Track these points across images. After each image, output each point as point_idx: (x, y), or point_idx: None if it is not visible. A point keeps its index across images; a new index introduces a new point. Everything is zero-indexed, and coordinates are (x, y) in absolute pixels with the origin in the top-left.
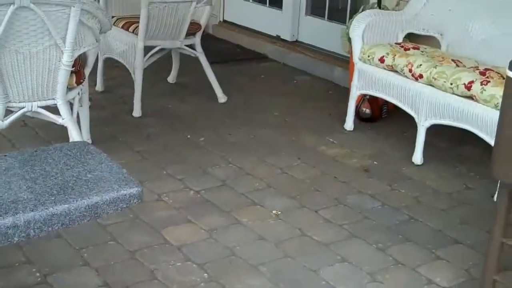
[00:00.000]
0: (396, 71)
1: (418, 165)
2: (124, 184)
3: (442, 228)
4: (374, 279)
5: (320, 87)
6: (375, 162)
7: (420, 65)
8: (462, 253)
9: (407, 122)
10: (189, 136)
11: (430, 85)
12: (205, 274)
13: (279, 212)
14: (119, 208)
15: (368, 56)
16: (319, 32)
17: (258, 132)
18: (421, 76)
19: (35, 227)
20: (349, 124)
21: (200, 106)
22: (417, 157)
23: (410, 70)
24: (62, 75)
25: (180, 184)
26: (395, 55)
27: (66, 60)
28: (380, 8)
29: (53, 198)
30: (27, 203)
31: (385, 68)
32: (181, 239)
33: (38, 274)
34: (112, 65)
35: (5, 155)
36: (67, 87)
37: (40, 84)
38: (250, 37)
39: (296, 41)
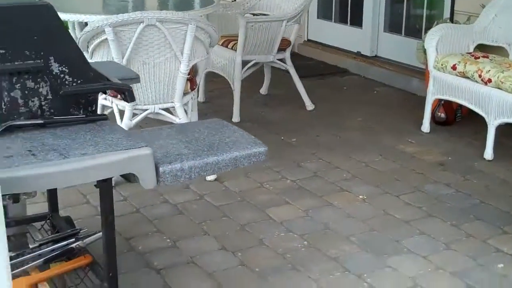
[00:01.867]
0: (467, 77)
1: (489, 160)
2: (254, 145)
3: (510, 210)
4: (448, 248)
5: (398, 96)
6: (449, 158)
7: (489, 71)
8: None
9: (479, 125)
10: (282, 138)
11: (498, 88)
12: (305, 242)
13: (365, 197)
14: (252, 162)
15: (442, 65)
16: (396, 47)
17: (343, 134)
18: (489, 80)
19: (195, 172)
20: (425, 126)
21: (290, 113)
22: (488, 153)
23: (480, 76)
24: (180, 82)
25: (278, 175)
26: (466, 63)
27: (183, 69)
28: (452, 22)
29: (205, 153)
30: (187, 155)
31: (457, 75)
32: (282, 216)
33: (168, 240)
34: (209, 79)
35: (161, 128)
36: (183, 92)
37: (161, 90)
38: (333, 53)
39: (376, 56)
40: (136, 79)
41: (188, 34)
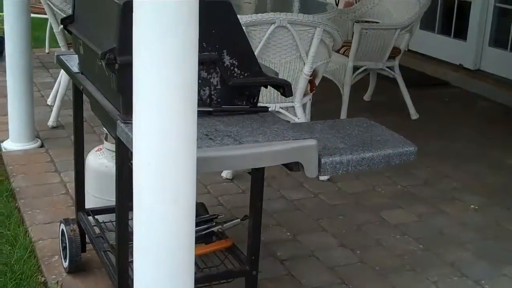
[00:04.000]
0: None
1: None
2: (405, 144)
3: None
4: None
5: (502, 111)
6: None
7: None
8: None
9: None
10: None
11: None
12: (421, 245)
13: (476, 207)
14: (402, 160)
15: None
16: (501, 61)
17: (450, 145)
18: None
19: (352, 165)
20: None
21: (395, 121)
22: None
23: None
24: (302, 82)
25: (388, 180)
26: None
27: (307, 70)
28: None
29: (360, 149)
30: (345, 150)
31: None
32: (396, 219)
33: (288, 234)
34: None
35: (313, 123)
36: (304, 93)
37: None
38: (434, 65)
39: (478, 69)
40: (290, 86)
41: (315, 37)
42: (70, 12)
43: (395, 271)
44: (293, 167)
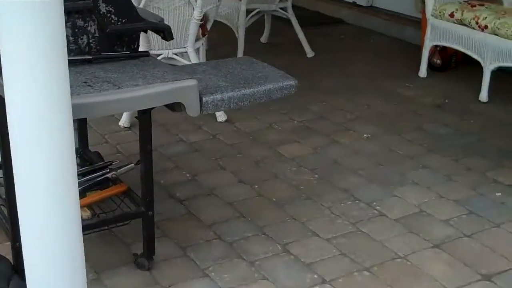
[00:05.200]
0: (464, 24)
1: (484, 102)
2: (285, 78)
3: (505, 146)
4: (450, 179)
5: (394, 45)
6: (446, 101)
7: (485, 17)
8: None
9: (473, 70)
10: None
11: (494, 34)
12: (316, 175)
13: (369, 135)
14: (283, 94)
15: (440, 12)
16: None
17: (344, 80)
18: (486, 26)
19: (233, 102)
20: (422, 72)
21: (291, 60)
22: (483, 95)
23: (477, 22)
24: (193, 28)
25: (285, 117)
26: (463, 11)
27: (196, 15)
28: None
29: (242, 85)
30: (226, 88)
31: (454, 22)
32: (293, 153)
33: (188, 175)
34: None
35: (197, 64)
36: (195, 38)
37: (175, 35)
38: (328, 3)
39: (371, 6)
40: (162, 22)
41: None
42: None
43: (292, 201)
44: (176, 107)
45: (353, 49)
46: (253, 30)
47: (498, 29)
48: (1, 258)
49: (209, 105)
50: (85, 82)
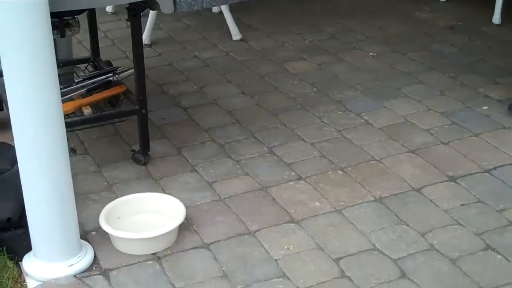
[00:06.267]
0: None
1: (496, 25)
2: None
3: (506, 66)
4: (442, 94)
5: None
6: (459, 23)
7: None
8: None
9: None
10: (306, 5)
11: None
12: (315, 88)
13: (374, 54)
14: None
15: None
16: None
17: (362, 2)
18: None
19: (206, 1)
20: None
21: None
22: (496, 17)
23: None
24: None
25: (298, 36)
26: None
27: None
28: None
29: None
30: None
31: None
32: (297, 69)
33: (195, 87)
34: None
35: None
36: None
37: None
38: None
39: None
40: None
41: None
42: None
43: (286, 110)
44: (152, 5)
45: None
46: None
47: None
48: (10, 145)
49: (183, 3)
50: None
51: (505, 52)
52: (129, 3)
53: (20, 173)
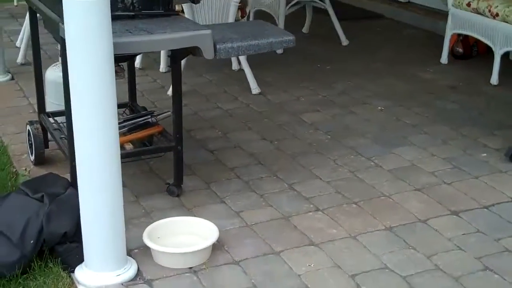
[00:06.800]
0: (479, 13)
1: (494, 85)
2: (285, 34)
3: (503, 120)
4: (445, 143)
5: (425, 36)
6: (460, 83)
7: (497, 6)
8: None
9: (492, 59)
10: (318, 65)
11: (504, 21)
12: (328, 136)
13: (382, 108)
14: (283, 46)
15: (459, 2)
16: None
17: (371, 64)
18: (497, 14)
19: (241, 50)
20: (444, 58)
21: (327, 47)
22: (494, 78)
23: (490, 10)
24: (232, 9)
25: (312, 92)
26: (479, 0)
27: None
28: None
29: (249, 38)
30: (236, 39)
31: (471, 11)
32: (312, 119)
33: (220, 133)
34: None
35: (216, 24)
36: (235, 18)
37: (217, 15)
38: (370, 0)
39: (408, 1)
40: None
41: None
42: None
43: (303, 154)
44: (196, 52)
45: (386, 39)
46: (296, 21)
47: (507, 16)
48: (61, 177)
49: (222, 51)
50: (127, 29)
51: (502, 109)
52: (171, 50)
53: (79, 195)
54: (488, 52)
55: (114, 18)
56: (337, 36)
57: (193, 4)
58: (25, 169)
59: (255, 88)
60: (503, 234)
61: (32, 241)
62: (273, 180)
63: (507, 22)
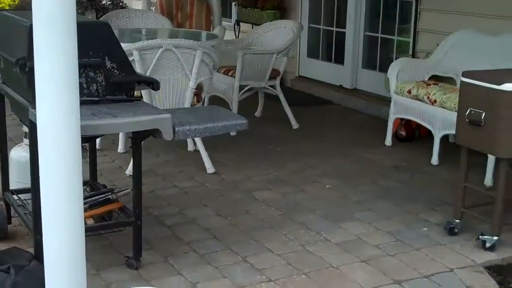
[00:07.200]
0: (419, 99)
1: (435, 165)
2: (239, 118)
3: (443, 197)
4: (389, 218)
5: (371, 121)
6: (403, 163)
7: (435, 93)
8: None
9: (433, 141)
10: (270, 146)
11: (442, 107)
12: (280, 212)
13: (330, 186)
14: (237, 129)
15: (400, 90)
16: (372, 80)
17: (320, 145)
18: (435, 101)
19: (198, 132)
20: (388, 140)
21: (279, 130)
22: (434, 159)
23: (428, 97)
24: (188, 95)
25: (264, 172)
26: (419, 88)
27: (192, 84)
28: (413, 57)
29: (205, 121)
30: (192, 122)
31: (411, 98)
32: (264, 197)
33: (176, 209)
34: (211, 103)
35: (175, 109)
36: (191, 104)
37: (174, 100)
38: (319, 87)
39: (355, 88)
40: (158, 82)
41: (196, 58)
42: None
43: (257, 229)
44: (156, 134)
45: (334, 123)
46: (249, 105)
47: (444, 102)
48: (25, 251)
49: (180, 133)
50: (92, 113)
51: (442, 187)
52: (132, 132)
53: (45, 266)
54: (429, 134)
55: (81, 103)
56: (288, 120)
57: (152, 90)
58: None
59: (210, 168)
60: None
61: None
62: (228, 253)
63: (444, 108)
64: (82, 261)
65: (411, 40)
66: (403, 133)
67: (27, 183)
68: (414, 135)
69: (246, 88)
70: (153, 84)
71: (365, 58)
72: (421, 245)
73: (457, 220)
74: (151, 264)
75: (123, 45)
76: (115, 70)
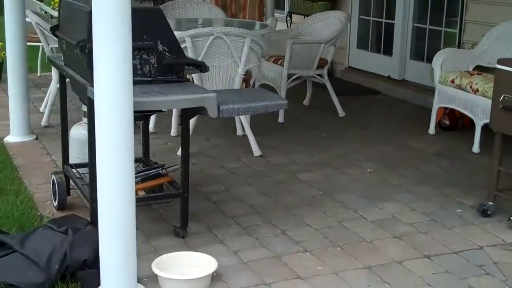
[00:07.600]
0: (462, 89)
1: (476, 153)
2: (280, 99)
3: (481, 183)
4: (426, 200)
5: (417, 111)
6: (445, 151)
7: (477, 83)
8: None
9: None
10: (316, 133)
11: (483, 96)
12: (320, 192)
13: (371, 170)
14: (277, 108)
15: (444, 79)
16: (420, 71)
17: (364, 133)
18: (477, 90)
19: (240, 111)
20: (431, 129)
21: (325, 118)
22: (475, 147)
23: (471, 87)
24: (237, 81)
25: (308, 155)
26: (462, 77)
27: (240, 71)
28: (460, 48)
29: (248, 101)
30: (237, 102)
31: (454, 87)
32: (306, 178)
33: (223, 187)
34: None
35: (221, 90)
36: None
37: (224, 86)
38: (368, 78)
39: (403, 79)
40: (205, 65)
41: (245, 45)
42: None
43: (297, 207)
44: (201, 111)
45: (380, 112)
46: (298, 94)
47: (486, 92)
48: (81, 217)
49: (224, 111)
50: (145, 92)
51: (481, 173)
52: (181, 110)
53: (99, 230)
54: (472, 124)
55: (135, 82)
56: (335, 108)
57: (202, 74)
58: (49, 213)
59: (256, 151)
60: (468, 274)
61: (56, 266)
62: (268, 227)
63: (486, 97)
64: (133, 227)
65: (457, 31)
66: (447, 122)
67: (85, 159)
68: (457, 124)
69: (294, 77)
70: (201, 67)
71: (413, 49)
72: (454, 225)
73: (491, 203)
74: (196, 234)
75: (176, 33)
76: (166, 53)
